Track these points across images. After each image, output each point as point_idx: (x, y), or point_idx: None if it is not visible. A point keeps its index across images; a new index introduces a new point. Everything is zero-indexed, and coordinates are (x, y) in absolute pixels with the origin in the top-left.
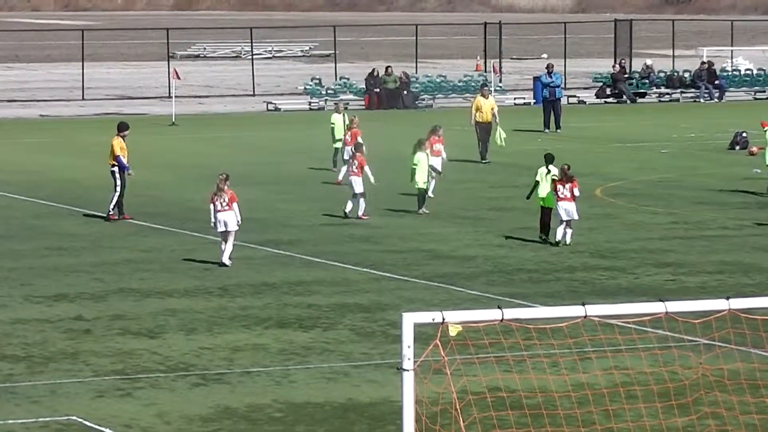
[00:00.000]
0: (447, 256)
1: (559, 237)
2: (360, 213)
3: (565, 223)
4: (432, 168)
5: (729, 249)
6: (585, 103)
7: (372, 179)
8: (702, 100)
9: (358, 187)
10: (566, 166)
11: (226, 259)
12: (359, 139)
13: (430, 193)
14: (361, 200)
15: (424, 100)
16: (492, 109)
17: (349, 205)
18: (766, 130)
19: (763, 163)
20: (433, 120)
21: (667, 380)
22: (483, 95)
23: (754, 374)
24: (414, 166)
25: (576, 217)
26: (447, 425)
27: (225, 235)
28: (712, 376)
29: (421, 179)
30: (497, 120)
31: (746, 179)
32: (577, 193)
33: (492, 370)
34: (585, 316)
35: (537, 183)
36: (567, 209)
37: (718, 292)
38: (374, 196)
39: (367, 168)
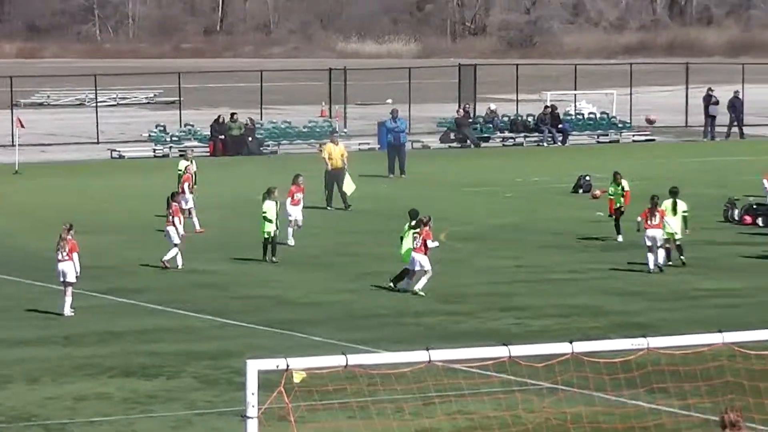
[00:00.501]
0: (294, 302)
1: (417, 286)
2: (164, 258)
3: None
4: (294, 222)
5: (574, 292)
6: (429, 147)
7: (180, 233)
8: (546, 144)
9: (174, 238)
10: (425, 218)
11: (66, 311)
12: (185, 187)
13: (289, 241)
14: (173, 250)
15: (269, 146)
16: (342, 155)
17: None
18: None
19: (605, 206)
20: (278, 166)
21: (510, 424)
22: (333, 142)
23: (597, 417)
24: (263, 214)
25: (426, 267)
26: None
27: (65, 285)
28: (555, 420)
29: (270, 227)
30: (346, 166)
31: (590, 222)
32: (430, 244)
33: (336, 416)
34: (429, 361)
35: (401, 238)
36: (418, 260)
37: (562, 336)
38: (220, 242)
39: (180, 220)
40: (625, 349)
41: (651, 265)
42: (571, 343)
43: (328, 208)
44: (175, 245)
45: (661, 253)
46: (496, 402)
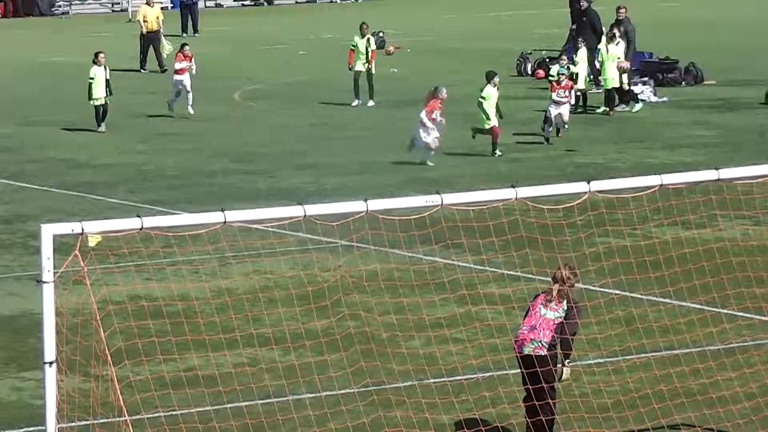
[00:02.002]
0: (86, 164)
1: None
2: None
3: None
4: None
5: (367, 149)
6: (222, 6)
7: None
8: (338, 0)
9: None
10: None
11: None
12: None
13: (189, 110)
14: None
15: (60, 6)
16: (158, 18)
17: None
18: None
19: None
20: (70, 27)
21: (306, 283)
22: (148, 4)
23: (392, 274)
24: (90, 80)
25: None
26: (88, 336)
27: None
28: (351, 278)
29: (99, 94)
30: (162, 29)
31: (384, 78)
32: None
33: (132, 279)
34: (224, 222)
35: None
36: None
37: (358, 194)
38: (11, 106)
39: None
40: (420, 206)
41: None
42: (365, 200)
43: (142, 71)
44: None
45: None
46: (292, 261)
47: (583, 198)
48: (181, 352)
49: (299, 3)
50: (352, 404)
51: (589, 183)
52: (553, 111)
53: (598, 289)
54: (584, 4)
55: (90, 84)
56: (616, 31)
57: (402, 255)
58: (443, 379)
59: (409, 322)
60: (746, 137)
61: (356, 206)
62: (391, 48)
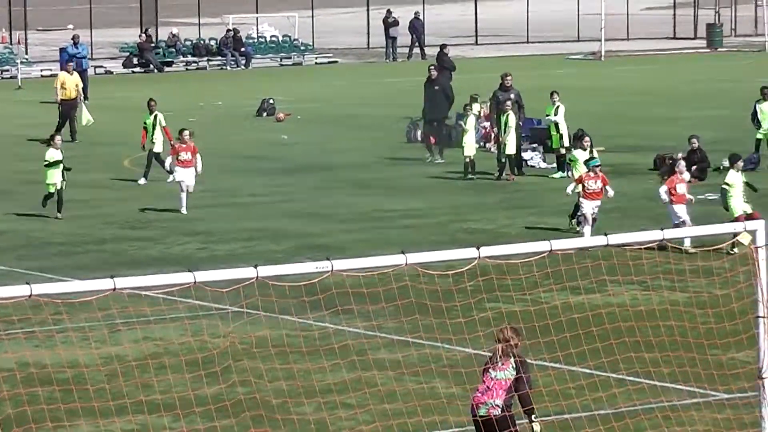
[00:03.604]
0: None
1: None
2: None
3: None
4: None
5: (258, 216)
6: (112, 73)
7: None
8: (229, 68)
9: None
10: None
11: None
12: None
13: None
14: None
15: None
16: (77, 85)
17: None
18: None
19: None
20: None
21: (196, 350)
22: (68, 71)
23: (283, 340)
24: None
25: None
26: None
27: None
28: (241, 344)
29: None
30: (81, 97)
31: (274, 145)
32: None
33: (21, 346)
34: (114, 289)
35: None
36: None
37: (247, 260)
38: None
39: None
40: (310, 272)
41: None
42: (255, 267)
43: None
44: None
45: None
46: (182, 327)
47: (473, 263)
48: (71, 419)
49: (190, 70)
50: None
51: (478, 249)
52: None
53: (488, 354)
54: (434, 74)
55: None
56: (509, 98)
57: (292, 321)
58: None
59: (299, 389)
60: (635, 203)
61: (246, 272)
62: (281, 114)
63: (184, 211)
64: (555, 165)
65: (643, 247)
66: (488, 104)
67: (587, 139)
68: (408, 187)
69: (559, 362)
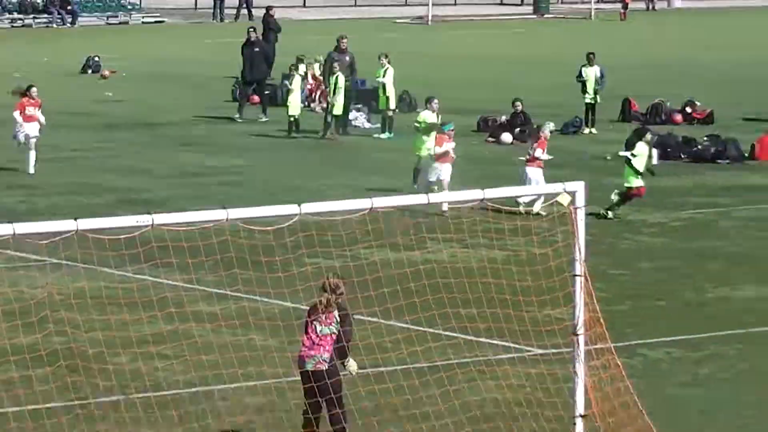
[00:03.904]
0: None
1: None
2: None
3: None
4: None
5: (80, 171)
6: None
7: None
8: (55, 26)
9: None
10: None
11: None
12: None
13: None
14: None
15: None
16: None
17: None
18: None
19: (115, 87)
20: None
21: (12, 300)
22: None
23: (100, 292)
24: None
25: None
26: None
27: None
28: (59, 295)
29: None
30: None
31: (98, 102)
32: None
33: None
34: None
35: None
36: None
37: (68, 213)
38: None
39: None
40: (130, 225)
41: None
42: (75, 219)
43: None
44: None
45: None
46: None
47: (294, 219)
48: None
49: (15, 27)
50: (56, 418)
51: (299, 205)
52: None
53: (306, 307)
54: (252, 36)
55: None
56: (344, 61)
57: (111, 273)
58: (147, 394)
59: (115, 339)
60: (459, 164)
61: (66, 225)
62: (107, 72)
63: (31, 170)
64: (380, 125)
65: (463, 206)
66: (316, 65)
67: (436, 101)
68: (231, 145)
69: (376, 317)
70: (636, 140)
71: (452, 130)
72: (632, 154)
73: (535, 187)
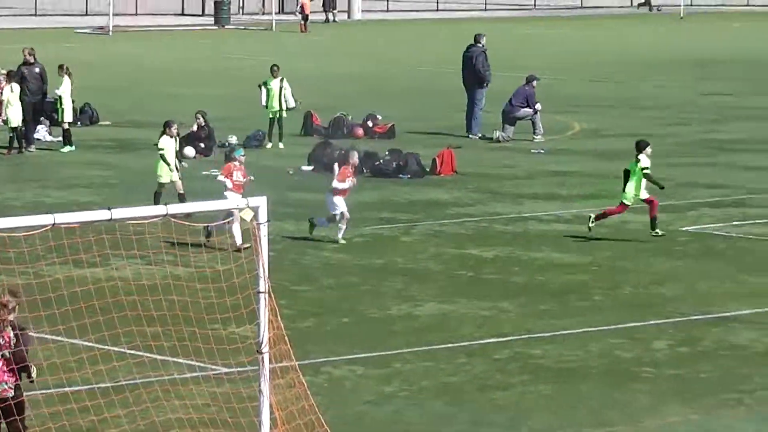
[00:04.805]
0: None
1: None
2: None
3: None
4: None
5: None
6: None
7: None
8: None
9: None
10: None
11: None
12: None
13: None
14: None
15: None
16: None
17: None
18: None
19: None
20: None
21: None
22: None
23: None
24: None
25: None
26: None
27: None
28: None
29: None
30: None
31: None
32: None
33: None
34: None
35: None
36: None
37: None
38: None
39: None
40: None
41: None
42: None
43: None
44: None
45: None
46: None
47: None
48: None
49: None
50: None
51: None
52: None
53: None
54: None
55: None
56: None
57: None
58: None
59: None
60: (140, 178)
61: None
62: None
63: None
64: (61, 139)
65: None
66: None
67: (175, 126)
68: None
69: (60, 335)
70: (637, 154)
71: (243, 156)
72: (645, 168)
73: (222, 202)
